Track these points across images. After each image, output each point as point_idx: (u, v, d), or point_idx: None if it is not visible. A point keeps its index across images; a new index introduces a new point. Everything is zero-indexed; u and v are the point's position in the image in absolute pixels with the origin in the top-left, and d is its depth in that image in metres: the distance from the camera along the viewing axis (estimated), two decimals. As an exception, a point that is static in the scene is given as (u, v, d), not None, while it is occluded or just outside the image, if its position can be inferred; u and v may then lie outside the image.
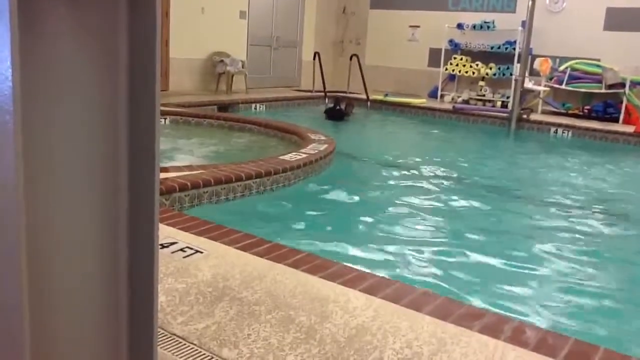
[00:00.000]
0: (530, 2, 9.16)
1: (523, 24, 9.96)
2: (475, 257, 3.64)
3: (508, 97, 10.62)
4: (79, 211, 1.22)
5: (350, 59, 11.46)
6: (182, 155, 5.78)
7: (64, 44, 1.15)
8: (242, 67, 10.73)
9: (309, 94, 11.33)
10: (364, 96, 10.93)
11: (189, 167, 4.39)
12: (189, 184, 3.83)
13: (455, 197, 5.24)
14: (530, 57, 9.89)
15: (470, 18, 11.59)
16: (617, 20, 10.15)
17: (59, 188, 1.18)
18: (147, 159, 1.25)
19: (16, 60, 1.00)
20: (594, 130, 9.17)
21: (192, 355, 1.83)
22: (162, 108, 7.43)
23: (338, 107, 9.28)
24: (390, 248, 3.72)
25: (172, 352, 1.84)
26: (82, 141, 1.20)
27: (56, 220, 1.18)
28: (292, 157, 4.95)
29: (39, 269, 1.14)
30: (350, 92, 11.45)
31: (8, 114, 1.00)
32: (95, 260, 1.27)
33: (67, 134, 1.17)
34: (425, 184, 5.65)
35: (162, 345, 1.86)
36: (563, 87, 10.42)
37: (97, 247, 1.27)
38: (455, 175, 6.20)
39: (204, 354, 1.84)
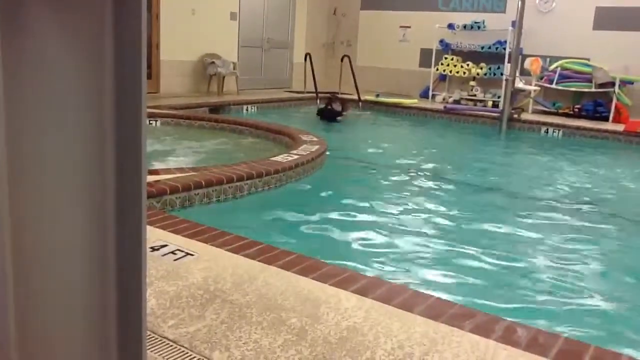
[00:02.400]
0: (520, 2, 9.19)
1: (513, 24, 10.00)
2: (467, 256, 3.64)
3: (499, 97, 10.66)
4: (65, 213, 1.21)
5: (342, 60, 11.47)
6: (173, 157, 5.76)
7: (48, 46, 1.14)
8: (233, 69, 10.72)
9: (301, 95, 11.33)
10: (355, 97, 10.94)
11: (180, 169, 4.38)
12: (179, 186, 3.81)
13: (446, 197, 5.25)
14: (520, 56, 9.93)
15: (461, 18, 11.63)
16: (606, 19, 10.21)
17: (45, 189, 1.17)
18: (134, 160, 1.24)
19: (-1, 62, 0.99)
20: (584, 129, 9.22)
21: (182, 359, 1.82)
22: (153, 110, 7.42)
23: (330, 107, 9.23)
24: (382, 248, 3.72)
25: (163, 355, 1.83)
26: (67, 143, 1.19)
27: (42, 222, 1.17)
28: (283, 158, 4.94)
29: (25, 271, 1.13)
30: (342, 93, 11.45)
31: (-9, 117, 0.99)
32: (83, 263, 1.26)
33: (52, 135, 1.16)
34: (416, 184, 5.66)
35: (152, 349, 1.85)
36: (553, 86, 10.47)
37: (84, 250, 1.26)
38: (446, 175, 6.21)
39: (195, 357, 1.83)
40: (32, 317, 1.17)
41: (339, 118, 9.25)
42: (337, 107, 9.34)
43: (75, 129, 1.20)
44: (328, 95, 9.95)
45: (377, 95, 11.41)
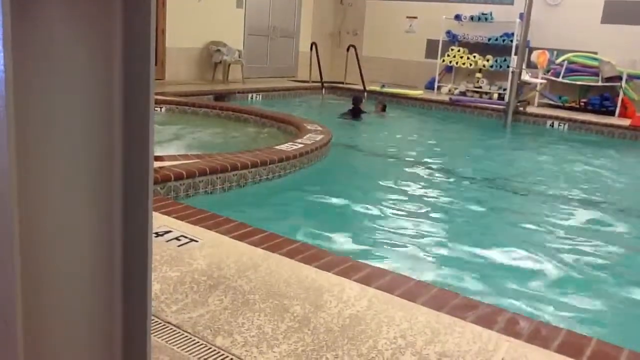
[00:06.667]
0: (528, -6, 9.13)
1: (521, 16, 9.94)
2: (470, 248, 3.65)
3: (505, 90, 10.60)
4: (72, 199, 1.22)
5: (348, 49, 11.42)
6: (177, 144, 5.76)
7: (57, 30, 1.14)
8: (239, 57, 10.69)
9: (306, 84, 11.30)
10: (360, 87, 10.90)
11: (185, 156, 4.38)
12: (184, 173, 3.82)
13: (450, 189, 5.24)
14: (527, 49, 9.87)
15: (468, 9, 11.56)
16: (614, 13, 10.13)
17: (53, 176, 1.18)
18: (141, 147, 1.24)
19: (8, 45, 0.99)
20: (590, 123, 9.18)
21: (186, 344, 1.83)
22: (159, 97, 7.41)
23: (357, 107, 8.95)
24: (385, 238, 3.72)
25: (166, 340, 1.84)
26: (76, 128, 1.19)
27: (50, 208, 1.18)
28: (288, 146, 4.94)
29: (33, 258, 1.14)
30: (347, 83, 11.41)
31: (0, 100, 1.00)
32: (89, 249, 1.27)
33: (60, 121, 1.17)
34: (420, 176, 5.66)
35: (156, 334, 1.86)
36: (560, 79, 10.41)
37: (91, 235, 1.26)
38: (451, 167, 6.20)
39: (198, 342, 1.84)
40: (38, 300, 1.18)
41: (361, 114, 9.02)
42: (362, 106, 9.13)
43: (83, 115, 1.20)
44: (355, 95, 9.65)
45: (383, 86, 11.37)
